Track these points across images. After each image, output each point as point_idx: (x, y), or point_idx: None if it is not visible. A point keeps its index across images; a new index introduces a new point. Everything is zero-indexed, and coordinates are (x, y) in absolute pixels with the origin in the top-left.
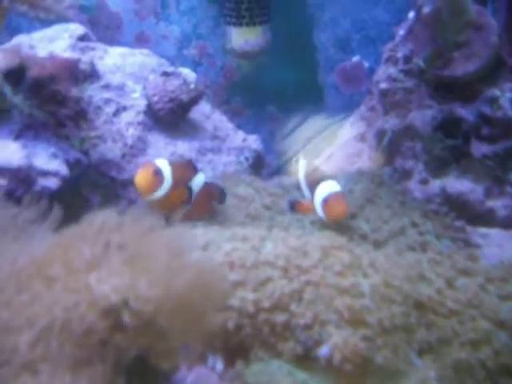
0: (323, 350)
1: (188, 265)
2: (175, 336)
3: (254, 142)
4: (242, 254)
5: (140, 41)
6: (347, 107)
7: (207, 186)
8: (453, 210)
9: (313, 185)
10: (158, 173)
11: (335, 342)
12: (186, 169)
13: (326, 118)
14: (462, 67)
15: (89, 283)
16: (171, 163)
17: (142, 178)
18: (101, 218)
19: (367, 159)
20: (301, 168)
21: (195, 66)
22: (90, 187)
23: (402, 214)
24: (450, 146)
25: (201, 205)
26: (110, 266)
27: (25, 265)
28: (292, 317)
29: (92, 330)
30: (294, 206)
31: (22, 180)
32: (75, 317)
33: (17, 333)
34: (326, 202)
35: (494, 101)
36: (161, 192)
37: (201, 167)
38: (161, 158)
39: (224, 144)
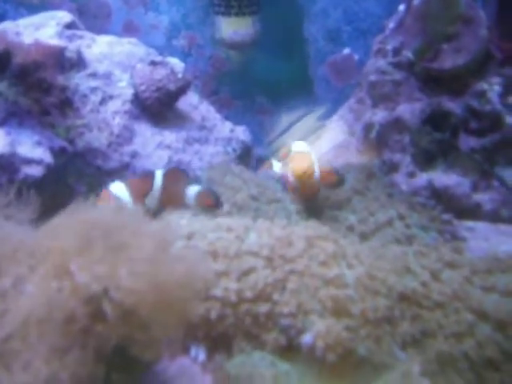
0: (306, 338)
1: (171, 255)
2: (157, 326)
3: (242, 133)
4: (226, 244)
5: (129, 30)
6: (337, 100)
7: (170, 176)
8: (440, 203)
9: (285, 156)
10: (113, 200)
11: (318, 330)
12: (142, 182)
13: (320, 119)
14: (451, 60)
15: (71, 270)
16: (128, 183)
17: None
18: (86, 208)
19: (355, 151)
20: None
21: (184, 56)
22: (76, 176)
23: (389, 206)
24: (438, 139)
25: (168, 196)
26: (92, 253)
27: (7, 249)
28: (275, 306)
29: (73, 317)
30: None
31: (4, 168)
32: (57, 303)
33: None
34: (291, 159)
35: (482, 94)
36: None
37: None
38: (117, 182)
39: (211, 134)
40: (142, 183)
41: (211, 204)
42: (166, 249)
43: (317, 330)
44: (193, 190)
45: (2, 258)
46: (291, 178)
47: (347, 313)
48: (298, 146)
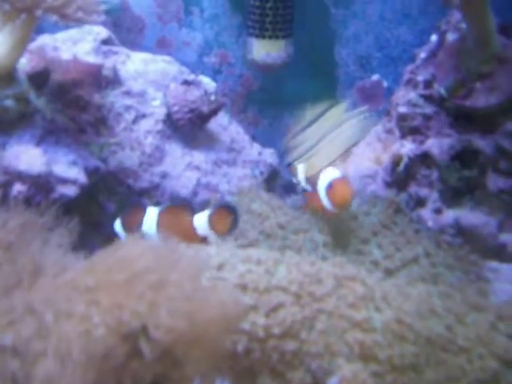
0: (332, 382)
1: (204, 290)
2: (190, 364)
3: (269, 155)
4: (256, 278)
5: (161, 46)
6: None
7: (169, 213)
8: (465, 241)
9: (314, 179)
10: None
11: (344, 374)
12: (132, 215)
13: (344, 113)
14: (484, 99)
15: (110, 307)
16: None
17: None
18: (127, 246)
19: (381, 183)
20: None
21: (214, 73)
22: (106, 194)
23: (415, 242)
24: (466, 176)
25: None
26: (133, 290)
27: (48, 281)
28: (302, 345)
29: (111, 354)
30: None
31: (41, 187)
32: (96, 339)
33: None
34: (330, 186)
35: None
36: None
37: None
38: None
39: (239, 156)
40: (131, 216)
41: (228, 225)
42: (201, 285)
43: (342, 375)
44: (201, 219)
45: (44, 290)
46: (330, 207)
47: (374, 358)
48: (330, 173)
